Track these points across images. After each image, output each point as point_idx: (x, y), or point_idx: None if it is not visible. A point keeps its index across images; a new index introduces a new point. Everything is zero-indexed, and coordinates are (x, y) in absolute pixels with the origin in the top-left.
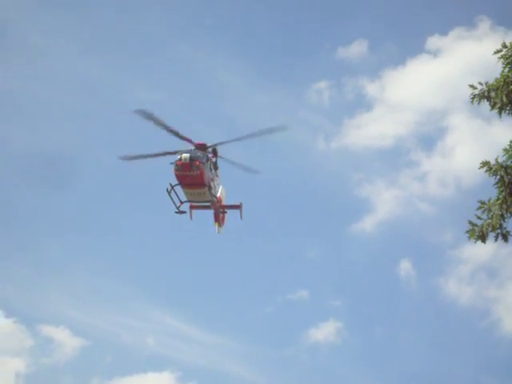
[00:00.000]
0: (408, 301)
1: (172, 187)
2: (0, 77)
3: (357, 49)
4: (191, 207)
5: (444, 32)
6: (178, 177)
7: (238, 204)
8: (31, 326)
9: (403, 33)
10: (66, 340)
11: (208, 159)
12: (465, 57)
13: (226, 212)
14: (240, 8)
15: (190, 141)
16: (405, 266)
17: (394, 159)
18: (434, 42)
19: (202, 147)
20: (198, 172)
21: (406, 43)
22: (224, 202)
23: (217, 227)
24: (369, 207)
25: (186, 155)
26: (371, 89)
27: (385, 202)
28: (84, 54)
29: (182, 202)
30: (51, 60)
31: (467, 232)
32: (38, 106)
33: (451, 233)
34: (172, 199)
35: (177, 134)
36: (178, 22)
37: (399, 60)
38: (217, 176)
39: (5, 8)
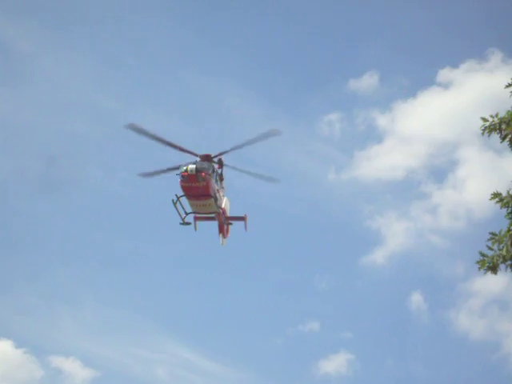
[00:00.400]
0: (419, 333)
1: (178, 198)
2: (14, 107)
3: (368, 81)
4: (195, 218)
5: (455, 64)
6: (183, 188)
7: (243, 216)
8: (41, 357)
9: (414, 65)
10: (76, 371)
11: (214, 170)
12: (476, 89)
13: (230, 223)
14: (252, 39)
15: (192, 153)
16: (416, 299)
17: (405, 191)
18: (445, 74)
19: (207, 158)
20: (204, 183)
21: (417, 75)
22: (228, 214)
23: (221, 239)
24: (380, 239)
25: (191, 166)
26: (382, 121)
27: (396, 234)
28: (96, 84)
29: (186, 214)
30: (65, 91)
31: (477, 263)
32: (51, 135)
33: (462, 265)
34: (177, 210)
35: (179, 148)
36: (188, 52)
37: (410, 92)
38: (222, 187)
39: (19, 39)
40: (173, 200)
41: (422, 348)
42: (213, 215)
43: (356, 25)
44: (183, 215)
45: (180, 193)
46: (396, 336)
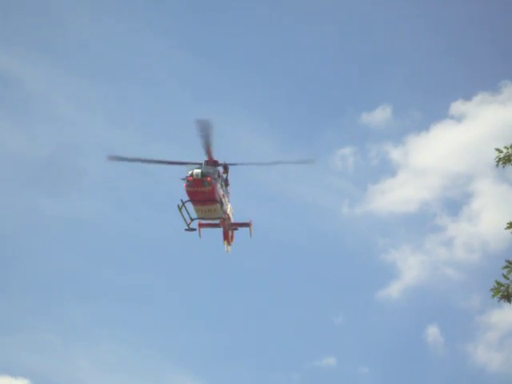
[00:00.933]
0: (436, 367)
1: (183, 203)
2: (27, 146)
3: (381, 114)
4: (200, 225)
5: (468, 97)
6: (189, 193)
7: (248, 222)
8: None
9: (427, 98)
10: None
11: (219, 175)
12: (489, 121)
13: (236, 229)
14: (264, 70)
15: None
16: (432, 332)
17: (419, 224)
18: (457, 107)
19: (213, 163)
20: (210, 188)
21: (430, 108)
22: (232, 220)
23: (226, 246)
24: (395, 272)
25: (197, 171)
26: (395, 154)
27: (411, 267)
28: (110, 123)
29: (192, 219)
30: (78, 129)
31: (492, 290)
32: (66, 173)
33: (479, 298)
34: (183, 216)
35: (176, 163)
36: (201, 87)
37: (423, 125)
38: (228, 192)
39: (32, 78)
40: (178, 205)
41: (440, 381)
42: (217, 221)
43: (368, 58)
44: (188, 221)
45: (185, 198)
46: (413, 369)
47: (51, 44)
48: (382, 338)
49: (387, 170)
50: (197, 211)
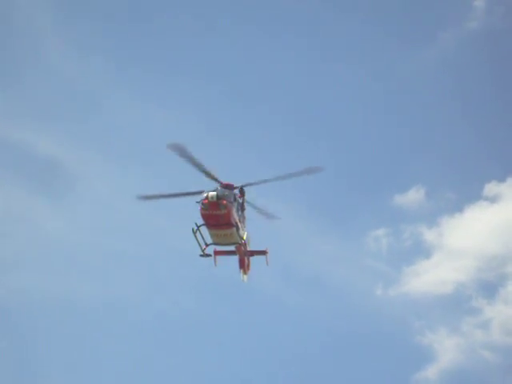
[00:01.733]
0: None
1: (198, 227)
2: (66, 229)
3: (414, 195)
4: (215, 253)
5: (502, 178)
6: (204, 216)
7: (264, 250)
8: None
9: (460, 179)
10: None
11: (235, 199)
12: None
13: (252, 255)
14: (297, 155)
15: (217, 180)
16: None
17: (455, 306)
18: (491, 188)
19: (228, 187)
20: (226, 211)
21: (464, 190)
22: (248, 248)
23: (242, 275)
24: (431, 355)
25: (212, 193)
26: (429, 235)
27: (447, 349)
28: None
29: (207, 245)
30: (115, 211)
31: None
32: (103, 256)
33: None
34: (197, 240)
35: (207, 173)
36: (235, 168)
37: (457, 206)
38: (244, 217)
39: (69, 158)
40: (193, 229)
41: None
42: (234, 249)
43: (401, 140)
44: (203, 246)
45: (200, 221)
46: None
47: (88, 128)
48: None
49: (421, 251)
50: (212, 236)
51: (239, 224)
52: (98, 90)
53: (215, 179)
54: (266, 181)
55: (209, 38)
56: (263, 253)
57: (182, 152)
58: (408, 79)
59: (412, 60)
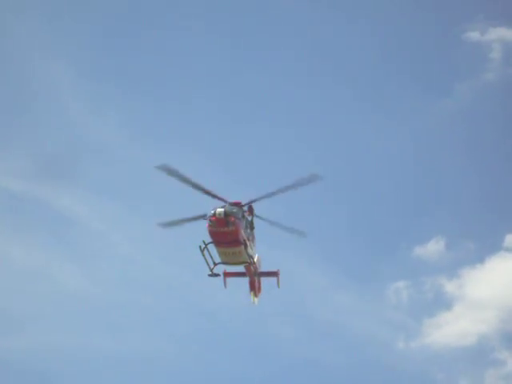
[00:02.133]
0: None
1: (205, 245)
2: (86, 283)
3: (434, 247)
4: (225, 274)
5: None
6: (211, 233)
7: (275, 271)
8: None
9: (480, 230)
10: None
11: (243, 216)
12: None
13: (262, 276)
14: (315, 213)
15: (223, 200)
16: None
17: (477, 358)
18: None
19: (236, 204)
20: (234, 228)
21: (484, 241)
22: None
23: (253, 297)
24: None
25: (220, 210)
26: (450, 287)
27: None
28: (164, 261)
29: (215, 264)
30: (136, 266)
31: None
32: (123, 310)
33: None
34: (205, 259)
35: (208, 193)
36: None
37: (477, 257)
38: (253, 236)
39: (93, 218)
40: (200, 247)
41: None
42: (243, 270)
43: (419, 191)
44: (211, 265)
45: (208, 239)
46: None
47: (107, 184)
48: None
49: (442, 303)
50: (220, 254)
51: (248, 242)
52: (109, 142)
53: (218, 197)
54: (271, 194)
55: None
56: (274, 274)
57: (172, 172)
58: (425, 130)
59: (429, 111)
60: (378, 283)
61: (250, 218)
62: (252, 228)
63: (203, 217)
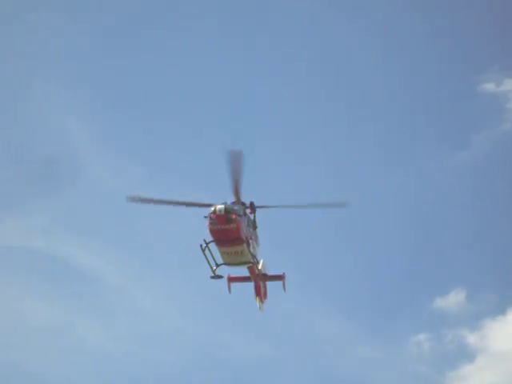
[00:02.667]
0: None
1: (206, 244)
2: (105, 337)
3: (454, 298)
4: (230, 279)
5: None
6: (212, 231)
7: (281, 274)
8: None
9: (501, 281)
10: None
11: (245, 213)
12: None
13: (267, 280)
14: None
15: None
16: None
17: None
18: None
19: (237, 202)
20: (235, 225)
21: (505, 292)
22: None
23: (258, 303)
24: None
25: (220, 207)
26: (472, 339)
27: None
28: (184, 316)
29: (218, 265)
30: (155, 320)
31: None
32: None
33: None
34: (207, 259)
35: (193, 204)
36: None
37: (499, 309)
38: (256, 236)
39: (110, 272)
40: (201, 245)
41: None
42: (248, 274)
43: (439, 243)
44: (214, 266)
45: (208, 238)
46: None
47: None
48: None
49: (465, 355)
50: (222, 254)
51: (250, 241)
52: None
53: (205, 205)
54: (287, 206)
55: None
56: (280, 278)
57: (145, 199)
58: (443, 180)
59: (446, 162)
60: (398, 335)
61: (252, 217)
62: (255, 227)
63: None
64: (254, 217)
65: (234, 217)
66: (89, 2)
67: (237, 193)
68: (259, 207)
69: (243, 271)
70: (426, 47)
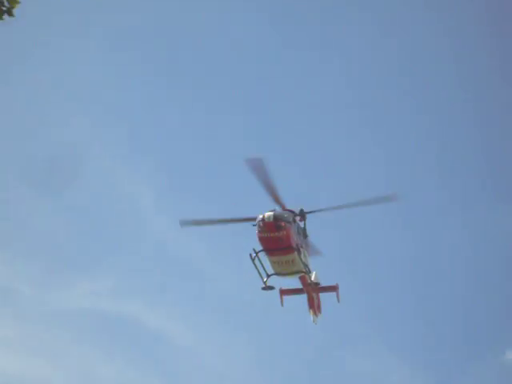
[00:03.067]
0: None
1: (256, 254)
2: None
3: None
4: (282, 292)
5: None
6: (261, 240)
7: (334, 285)
8: None
9: None
10: None
11: (294, 220)
12: None
13: (320, 291)
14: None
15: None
16: None
17: None
18: None
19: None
20: (284, 232)
21: None
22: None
23: (312, 315)
24: None
25: (269, 214)
26: None
27: None
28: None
29: (268, 275)
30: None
31: None
32: None
33: None
34: (257, 269)
35: (242, 220)
36: None
37: None
38: (307, 245)
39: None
40: (250, 255)
41: None
42: (300, 286)
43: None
44: (264, 277)
45: (258, 247)
46: None
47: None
48: None
49: None
50: (273, 264)
51: (301, 249)
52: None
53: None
54: (338, 207)
55: None
56: (333, 288)
57: (195, 222)
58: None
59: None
60: None
61: (302, 225)
62: (305, 236)
63: (251, 222)
64: (305, 224)
65: (283, 224)
66: None
67: (277, 200)
68: (309, 212)
69: (295, 283)
70: None
